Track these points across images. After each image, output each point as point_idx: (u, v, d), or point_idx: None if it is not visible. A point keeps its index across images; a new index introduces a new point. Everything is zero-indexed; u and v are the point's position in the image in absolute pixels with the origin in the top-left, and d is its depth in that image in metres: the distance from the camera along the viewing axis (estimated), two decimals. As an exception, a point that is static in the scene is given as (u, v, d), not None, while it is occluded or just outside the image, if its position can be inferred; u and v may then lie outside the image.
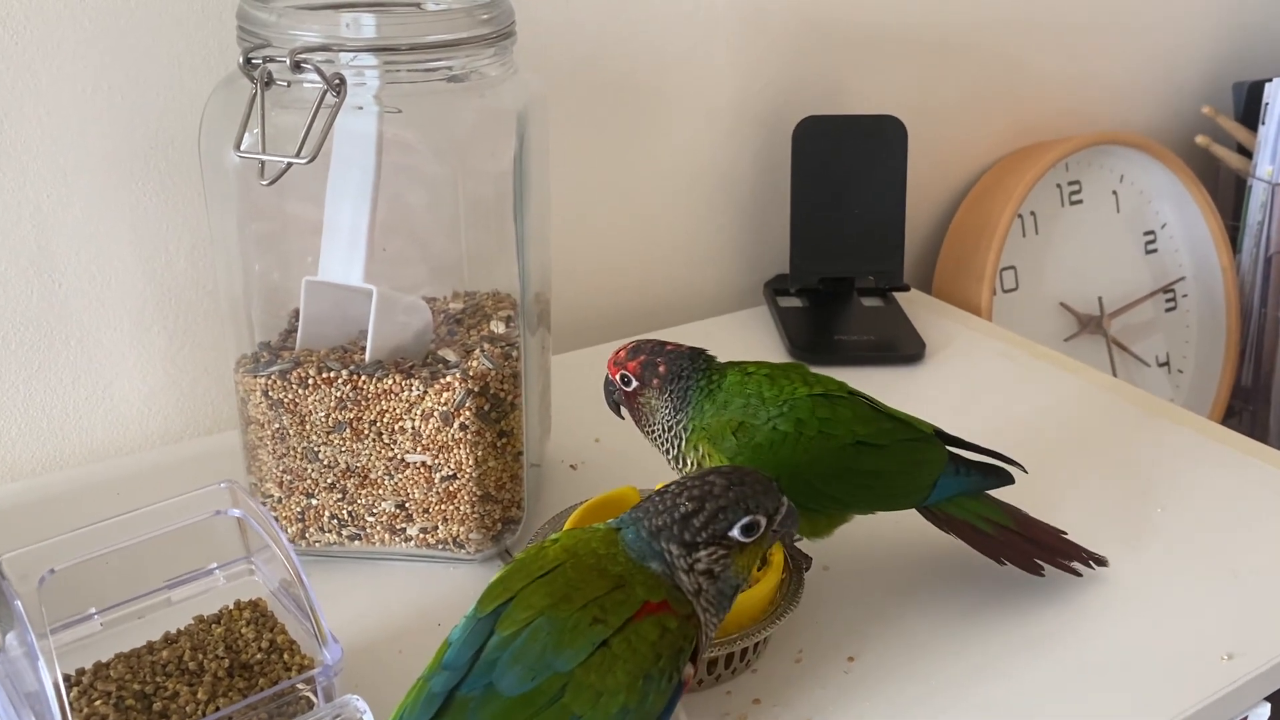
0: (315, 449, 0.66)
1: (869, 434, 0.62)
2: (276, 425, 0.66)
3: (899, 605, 0.67)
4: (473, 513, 0.67)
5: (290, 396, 0.65)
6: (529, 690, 0.47)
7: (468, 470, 0.66)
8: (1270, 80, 1.20)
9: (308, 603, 0.52)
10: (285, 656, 0.55)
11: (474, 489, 0.67)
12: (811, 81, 1.04)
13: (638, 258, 1.03)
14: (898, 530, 0.69)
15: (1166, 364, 1.26)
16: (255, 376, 0.65)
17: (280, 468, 0.67)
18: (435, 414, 0.65)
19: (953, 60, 1.12)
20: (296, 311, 0.71)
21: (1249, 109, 1.25)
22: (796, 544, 0.66)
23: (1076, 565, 0.67)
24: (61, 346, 0.80)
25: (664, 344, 0.66)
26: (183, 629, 0.57)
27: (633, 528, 0.53)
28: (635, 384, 0.64)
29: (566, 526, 0.65)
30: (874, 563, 0.70)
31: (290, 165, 0.57)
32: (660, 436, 0.65)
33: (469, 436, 0.65)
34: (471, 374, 0.65)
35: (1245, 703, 0.63)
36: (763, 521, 0.52)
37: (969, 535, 0.65)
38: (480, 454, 0.66)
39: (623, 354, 0.65)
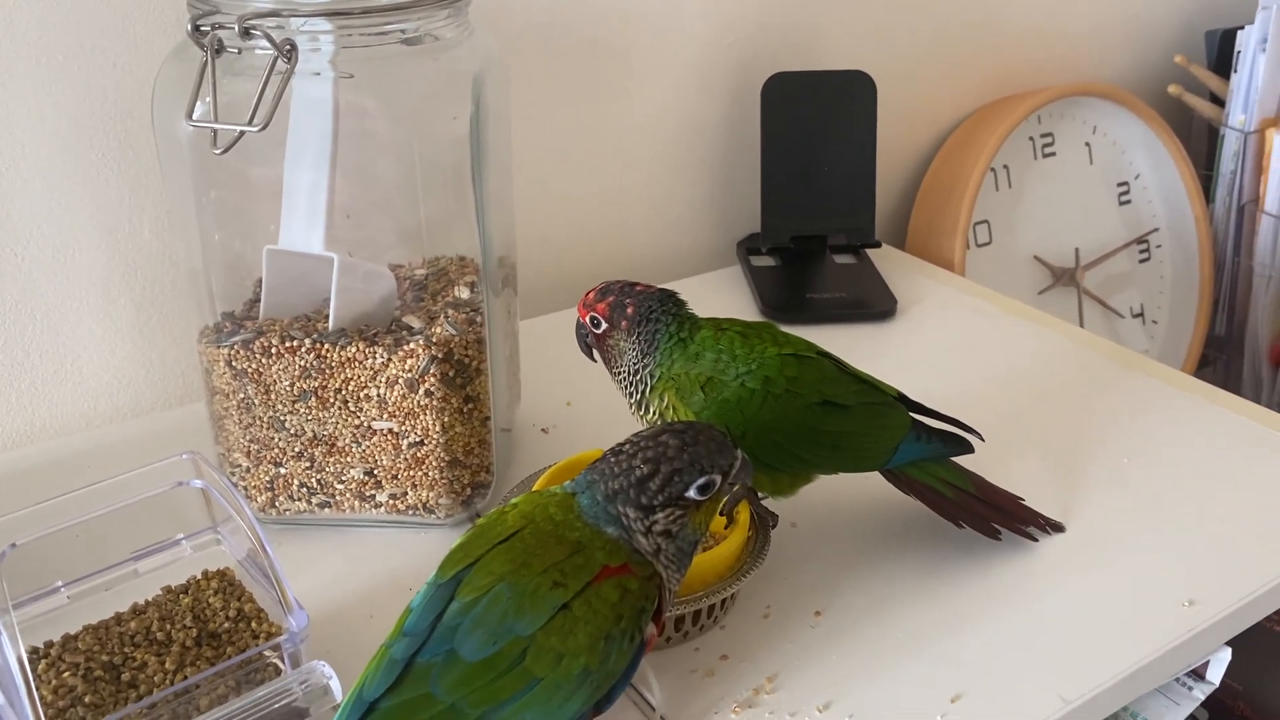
0: (281, 418, 0.66)
1: (835, 394, 0.63)
2: (241, 395, 0.66)
3: (865, 561, 0.68)
4: (441, 478, 0.68)
5: (254, 366, 0.65)
6: (490, 655, 0.48)
7: (434, 436, 0.66)
8: (1242, 28, 1.19)
9: (272, 570, 0.52)
10: (253, 625, 0.56)
11: (442, 455, 0.67)
12: (779, 37, 1.04)
13: (608, 220, 1.02)
14: (864, 489, 0.70)
15: (1141, 315, 1.26)
16: (218, 347, 0.65)
17: (247, 437, 0.67)
18: (400, 381, 0.65)
19: (922, 14, 1.11)
20: (259, 281, 0.70)
21: (1221, 57, 1.25)
22: (763, 501, 0.66)
23: (1033, 530, 0.68)
24: (27, 320, 0.80)
25: (633, 285, 0.65)
26: (150, 600, 0.57)
27: (587, 492, 0.53)
28: (604, 326, 0.63)
29: (535, 490, 0.65)
30: (840, 520, 0.71)
31: (243, 134, 0.57)
32: (626, 380, 0.65)
33: (434, 403, 0.65)
34: (435, 340, 0.65)
35: (1206, 648, 0.64)
36: (718, 479, 0.53)
37: (928, 498, 0.66)
38: (447, 420, 0.66)
39: (592, 295, 0.64)
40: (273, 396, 0.65)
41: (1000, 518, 0.67)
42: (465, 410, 0.67)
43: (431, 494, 0.68)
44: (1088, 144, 1.21)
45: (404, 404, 0.65)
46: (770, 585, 0.66)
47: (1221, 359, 1.27)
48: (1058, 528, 0.69)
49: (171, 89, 0.62)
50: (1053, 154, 1.19)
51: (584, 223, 1.01)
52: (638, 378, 0.63)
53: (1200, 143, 1.28)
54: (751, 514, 0.64)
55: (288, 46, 0.57)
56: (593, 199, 1.01)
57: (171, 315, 0.84)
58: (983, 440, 0.69)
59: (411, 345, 0.64)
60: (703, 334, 0.63)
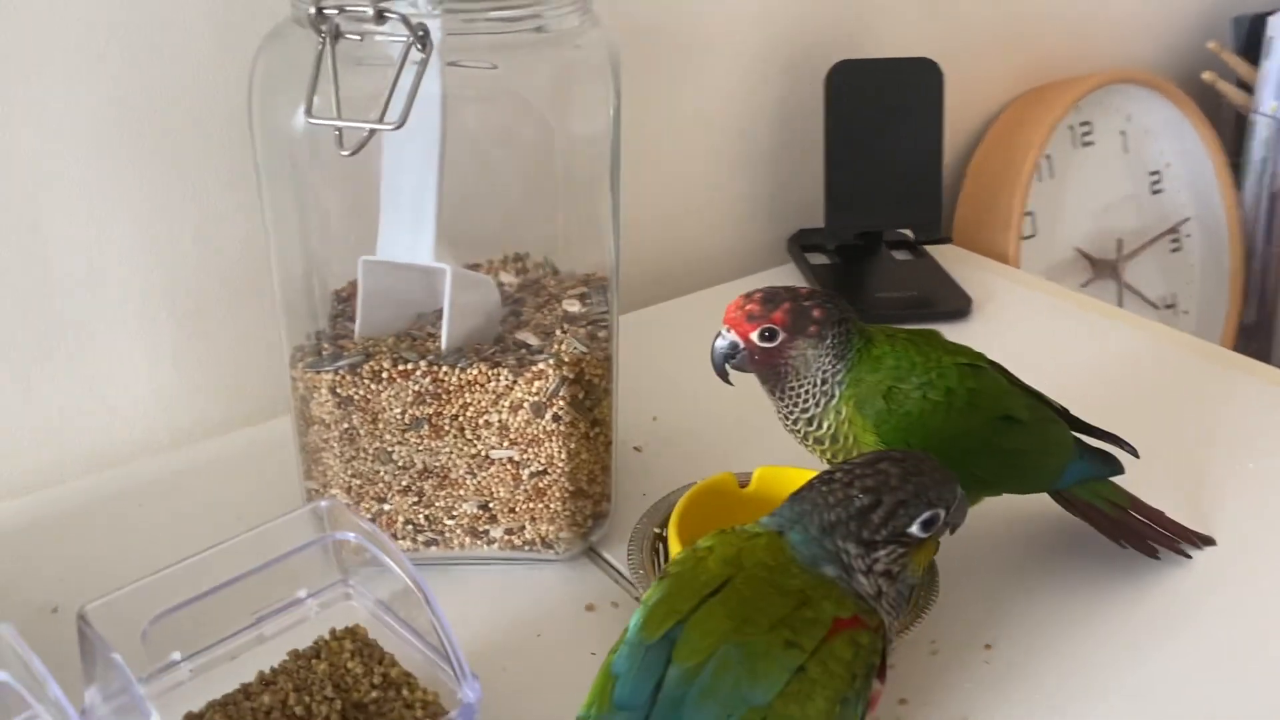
0: (389, 449, 0.59)
1: (1012, 409, 0.58)
2: (345, 425, 0.58)
3: (1024, 587, 0.63)
4: (563, 510, 0.61)
5: (361, 393, 0.58)
6: None
7: (559, 464, 0.60)
8: (1272, 14, 1.18)
9: (441, 633, 0.45)
10: (405, 693, 0.49)
11: (565, 484, 0.60)
12: (825, 27, 0.98)
13: (658, 215, 0.96)
14: (1013, 511, 0.65)
15: (1173, 306, 1.24)
16: (320, 372, 0.58)
17: (349, 472, 0.59)
18: (525, 405, 0.58)
19: (957, 3, 1.07)
20: (338, 294, 0.63)
21: (1249, 43, 1.23)
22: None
23: (1185, 546, 0.64)
24: (57, 340, 0.71)
25: (793, 289, 0.58)
26: (278, 667, 0.50)
27: (797, 527, 0.47)
28: (782, 337, 0.56)
29: (673, 523, 0.59)
30: (991, 544, 0.66)
31: (374, 132, 0.50)
32: (808, 392, 0.57)
33: (562, 428, 0.59)
34: (566, 359, 0.58)
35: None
36: (942, 514, 0.48)
37: (1092, 516, 0.62)
38: (573, 446, 0.60)
39: (755, 308, 0.56)
40: (380, 426, 0.58)
41: (1156, 535, 0.63)
42: (591, 435, 0.61)
43: (551, 527, 0.62)
44: (1122, 132, 1.18)
45: (528, 430, 0.59)
46: (932, 618, 0.61)
47: (1252, 348, 1.26)
48: (1208, 541, 0.65)
49: (274, 81, 0.54)
50: (1091, 143, 1.16)
51: (630, 219, 0.95)
52: (825, 387, 0.56)
53: (1228, 130, 1.26)
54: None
55: (421, 33, 0.50)
56: (639, 194, 0.94)
57: (212, 333, 0.76)
58: (1137, 457, 0.65)
59: (539, 365, 0.58)
60: (879, 339, 0.57)
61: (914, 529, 0.47)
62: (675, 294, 0.95)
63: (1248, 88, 1.22)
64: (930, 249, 1.00)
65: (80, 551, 0.66)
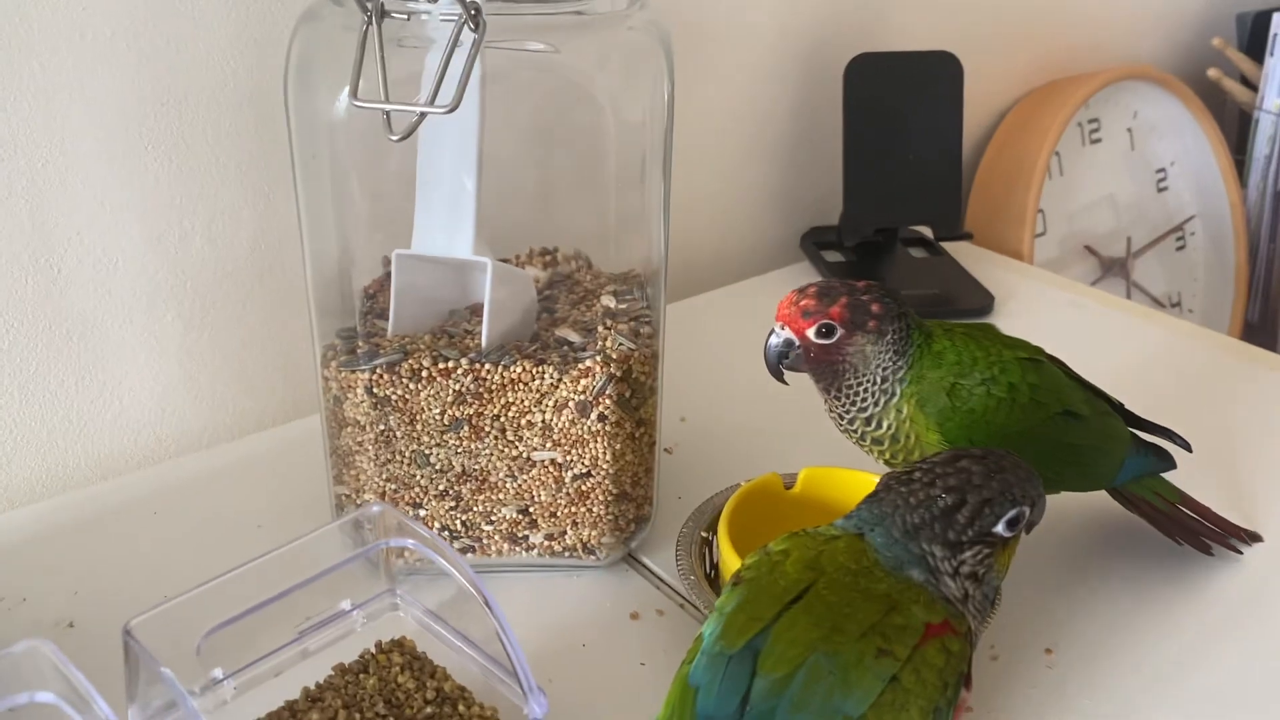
0: (426, 451, 0.56)
1: (1073, 404, 0.56)
2: (381, 426, 0.56)
3: (1079, 587, 0.61)
4: (606, 514, 0.59)
5: (400, 392, 0.55)
6: None
7: (604, 466, 0.57)
8: (1277, 10, 1.17)
9: (506, 643, 0.43)
10: (460, 709, 0.46)
11: (609, 487, 0.58)
12: (842, 19, 0.97)
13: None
14: (1064, 510, 0.63)
15: (1178, 304, 1.23)
16: (356, 371, 0.55)
17: (383, 475, 0.57)
18: (570, 404, 0.56)
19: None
20: (366, 291, 0.60)
21: (1253, 40, 1.23)
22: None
23: (1235, 543, 0.63)
24: (62, 343, 0.68)
25: (848, 283, 0.55)
26: (324, 683, 0.47)
27: (879, 529, 0.45)
28: (840, 333, 0.53)
29: (722, 527, 0.57)
30: (1044, 549, 0.64)
31: (424, 116, 0.47)
32: (868, 390, 0.54)
33: (607, 428, 0.56)
34: (614, 356, 0.56)
35: None
36: (1026, 511, 0.46)
37: (1147, 512, 0.61)
38: (618, 447, 0.57)
39: (809, 302, 0.54)
40: (418, 427, 0.56)
41: (1208, 531, 0.62)
42: (636, 435, 0.59)
43: (594, 532, 0.59)
44: (1129, 129, 1.18)
45: (571, 430, 0.56)
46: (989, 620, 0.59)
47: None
48: (1256, 538, 0.64)
49: (309, 63, 0.51)
50: (1099, 140, 1.15)
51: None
52: (885, 385, 0.54)
53: (1232, 127, 1.26)
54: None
55: (474, 10, 0.47)
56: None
57: (221, 333, 0.73)
58: (1190, 451, 0.63)
59: (587, 363, 0.55)
60: (938, 334, 0.55)
61: (999, 528, 0.45)
62: (688, 293, 0.93)
63: (1252, 85, 1.22)
64: (944, 246, 0.99)
65: (92, 562, 0.62)
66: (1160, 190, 1.21)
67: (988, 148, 1.10)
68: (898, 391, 0.54)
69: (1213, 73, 1.20)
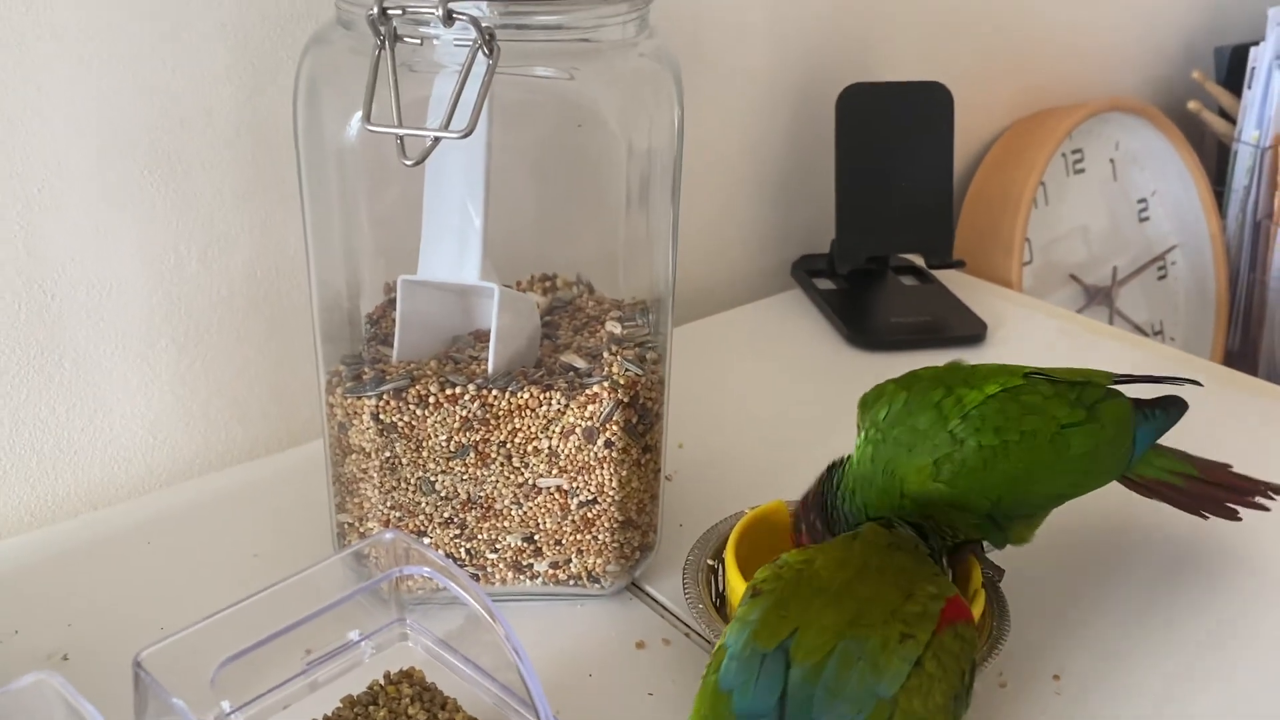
0: (432, 479, 0.56)
1: (1065, 415, 0.56)
2: (387, 453, 0.55)
3: (1087, 615, 0.61)
4: (611, 541, 0.58)
5: (406, 419, 0.54)
6: None
7: (610, 493, 0.57)
8: (1255, 44, 1.19)
9: (522, 673, 0.42)
10: (475, 741, 0.45)
11: (615, 514, 0.58)
12: (832, 51, 0.97)
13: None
14: (1067, 523, 0.63)
15: (1160, 333, 1.25)
16: (362, 397, 0.54)
17: (388, 503, 0.56)
18: (577, 430, 0.55)
19: (952, 32, 1.07)
20: (369, 317, 0.60)
21: (1231, 73, 1.25)
22: (987, 554, 0.59)
23: (1260, 500, 0.62)
24: (54, 369, 0.67)
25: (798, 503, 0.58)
26: (332, 715, 0.46)
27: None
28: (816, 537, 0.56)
29: (729, 553, 0.56)
30: (1053, 573, 0.64)
31: (438, 140, 0.47)
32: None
33: (614, 455, 0.56)
34: (621, 382, 0.55)
35: None
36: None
37: (1167, 495, 0.60)
38: (624, 474, 0.57)
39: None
40: (424, 453, 0.55)
41: (1231, 495, 0.61)
42: (642, 462, 0.58)
43: (599, 560, 0.59)
44: (1111, 160, 1.19)
45: (578, 457, 0.56)
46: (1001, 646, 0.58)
47: (1237, 375, 1.27)
48: (1278, 490, 0.63)
49: (318, 87, 0.51)
50: (1082, 170, 1.16)
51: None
52: (857, 522, 0.54)
53: (1211, 158, 1.28)
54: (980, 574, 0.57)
55: (489, 36, 0.47)
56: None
57: (215, 360, 0.72)
58: (1200, 385, 0.63)
59: (594, 389, 0.55)
60: (860, 445, 0.55)
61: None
62: (681, 320, 0.92)
63: (1230, 117, 1.24)
64: (936, 274, 0.99)
65: (85, 593, 0.61)
66: (1142, 220, 1.23)
67: (975, 177, 1.11)
68: (862, 516, 0.55)
69: (1193, 105, 1.22)
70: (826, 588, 0.44)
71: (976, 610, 0.54)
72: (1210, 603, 0.62)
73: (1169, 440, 0.61)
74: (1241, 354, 1.26)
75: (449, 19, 0.46)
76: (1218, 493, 0.61)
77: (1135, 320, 1.21)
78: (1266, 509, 0.62)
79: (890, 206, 0.94)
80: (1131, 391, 0.60)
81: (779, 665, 0.42)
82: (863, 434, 0.56)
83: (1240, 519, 0.62)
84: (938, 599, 0.44)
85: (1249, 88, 1.20)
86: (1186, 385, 0.63)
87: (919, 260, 0.99)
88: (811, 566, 0.45)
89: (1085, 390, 0.58)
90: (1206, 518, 0.61)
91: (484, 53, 0.47)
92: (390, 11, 0.47)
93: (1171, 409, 0.61)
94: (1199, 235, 1.23)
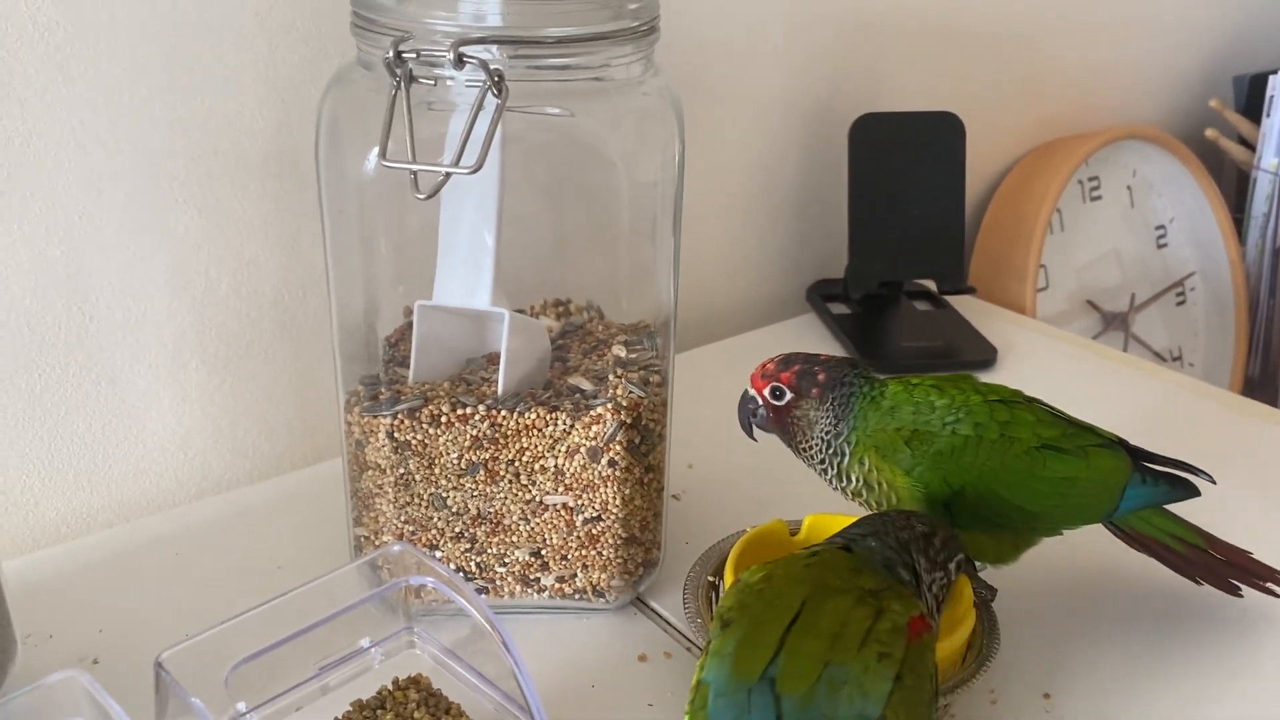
0: (444, 495, 0.58)
1: (1052, 438, 0.58)
2: (401, 470, 0.58)
3: (1081, 633, 0.63)
4: (615, 557, 0.61)
5: (419, 437, 0.57)
6: None
7: (613, 511, 0.59)
8: (1275, 72, 1.20)
9: (520, 682, 0.44)
10: (476, 744, 0.48)
11: (619, 531, 0.60)
12: (845, 81, 1.00)
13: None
14: (1071, 552, 0.65)
15: (1179, 359, 1.25)
16: (378, 416, 0.57)
17: (402, 518, 0.59)
18: (582, 450, 0.58)
19: (969, 61, 1.09)
20: (388, 340, 0.63)
21: (1250, 102, 1.25)
22: (981, 573, 0.61)
23: (1272, 586, 0.63)
24: (91, 388, 0.70)
25: (815, 355, 0.61)
26: (342, 718, 0.49)
27: (872, 538, 0.50)
28: (789, 396, 0.59)
29: (729, 571, 0.59)
30: (1048, 593, 0.65)
31: (449, 175, 0.50)
32: (818, 452, 0.59)
33: (617, 473, 0.59)
34: (624, 403, 0.58)
35: None
36: (963, 563, 0.52)
37: (1162, 554, 0.61)
38: (627, 492, 0.59)
39: (771, 366, 0.60)
40: (436, 471, 0.58)
41: (1236, 573, 0.62)
42: (645, 481, 0.61)
43: (603, 575, 0.61)
44: (1129, 187, 1.20)
45: (583, 475, 0.58)
46: (990, 665, 0.60)
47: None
48: None
49: (339, 124, 0.54)
50: (1099, 197, 1.18)
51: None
52: (832, 449, 0.58)
53: (1230, 186, 1.29)
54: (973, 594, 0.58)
55: (498, 78, 0.50)
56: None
57: (243, 379, 0.75)
58: (1214, 483, 0.64)
59: (598, 410, 0.58)
60: (893, 389, 0.58)
61: (951, 565, 0.50)
62: (697, 343, 0.95)
63: (1249, 145, 1.24)
64: (948, 299, 1.01)
65: (116, 601, 0.64)
66: (1160, 246, 1.24)
67: (990, 204, 1.13)
68: (846, 451, 0.58)
69: (1210, 133, 1.23)
70: (792, 606, 0.46)
71: (966, 628, 0.56)
72: (1204, 625, 0.63)
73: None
74: (1262, 381, 1.26)
75: (459, 62, 0.49)
76: (1222, 567, 0.62)
77: (1154, 346, 1.22)
78: (1276, 595, 0.62)
79: (903, 233, 0.96)
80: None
81: (767, 697, 0.43)
82: (892, 386, 0.59)
83: (1240, 595, 0.62)
84: (904, 614, 0.46)
85: (1268, 115, 1.21)
86: (1201, 476, 0.62)
87: (933, 286, 1.01)
88: (771, 585, 0.47)
89: (1081, 433, 0.60)
90: (1200, 584, 0.62)
91: (493, 93, 0.50)
92: (405, 55, 0.50)
93: (1178, 488, 0.61)
94: (1218, 262, 1.24)
